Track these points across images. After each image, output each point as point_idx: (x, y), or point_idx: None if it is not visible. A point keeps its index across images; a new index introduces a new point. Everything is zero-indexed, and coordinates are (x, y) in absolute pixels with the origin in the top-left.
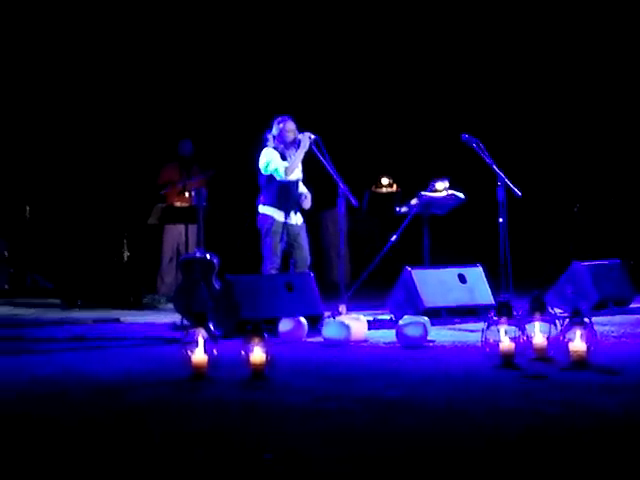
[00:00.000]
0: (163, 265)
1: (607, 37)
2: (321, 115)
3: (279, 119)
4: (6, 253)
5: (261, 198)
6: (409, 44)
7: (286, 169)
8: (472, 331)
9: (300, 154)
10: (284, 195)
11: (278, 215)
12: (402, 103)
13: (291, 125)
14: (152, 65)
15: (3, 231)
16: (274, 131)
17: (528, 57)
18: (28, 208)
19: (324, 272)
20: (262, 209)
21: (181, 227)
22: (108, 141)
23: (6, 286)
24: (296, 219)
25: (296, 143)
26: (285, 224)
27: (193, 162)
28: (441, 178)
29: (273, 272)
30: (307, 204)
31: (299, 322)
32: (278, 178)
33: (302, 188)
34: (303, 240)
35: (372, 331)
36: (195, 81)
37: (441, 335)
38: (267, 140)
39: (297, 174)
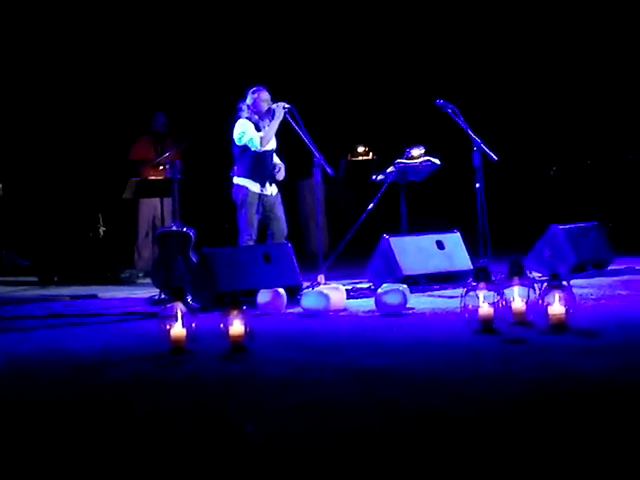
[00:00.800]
0: (139, 239)
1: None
2: (295, 84)
3: (253, 89)
4: None
5: (235, 169)
6: (382, 11)
7: (261, 139)
8: (451, 297)
9: (275, 124)
10: (259, 166)
11: (253, 186)
12: (376, 70)
13: (265, 95)
14: (122, 39)
15: None
16: (248, 101)
17: (501, 20)
18: (1, 185)
19: (302, 242)
20: (237, 180)
21: (156, 200)
22: (80, 116)
23: None
24: (271, 190)
25: (270, 113)
26: (260, 195)
27: (167, 135)
28: (417, 145)
29: (250, 244)
30: (281, 175)
31: (278, 293)
32: (253, 149)
33: (275, 159)
34: (279, 211)
35: (351, 300)
36: (167, 53)
37: (420, 302)
38: (241, 110)
39: (272, 144)
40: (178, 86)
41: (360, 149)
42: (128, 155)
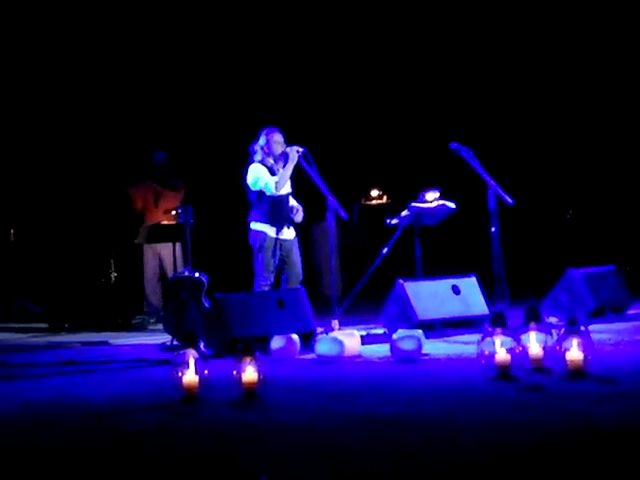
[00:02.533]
0: (147, 286)
1: (595, 45)
2: (309, 127)
3: (266, 130)
4: None
5: (252, 214)
6: (396, 54)
7: (276, 184)
8: (467, 343)
9: (289, 168)
10: (276, 210)
11: (270, 231)
12: (390, 114)
13: (278, 136)
14: (131, 82)
15: None
16: (261, 142)
17: (517, 63)
18: (12, 231)
19: (315, 287)
20: (254, 225)
21: (161, 245)
22: (91, 163)
23: None
24: (288, 234)
25: (284, 156)
26: (277, 239)
27: (168, 175)
28: (431, 188)
29: (265, 289)
30: (299, 217)
31: (291, 339)
32: (268, 193)
33: (292, 202)
34: (296, 256)
35: (366, 346)
36: (178, 97)
37: (436, 348)
38: (254, 153)
39: (287, 188)
40: (189, 129)
41: (374, 193)
42: (132, 206)
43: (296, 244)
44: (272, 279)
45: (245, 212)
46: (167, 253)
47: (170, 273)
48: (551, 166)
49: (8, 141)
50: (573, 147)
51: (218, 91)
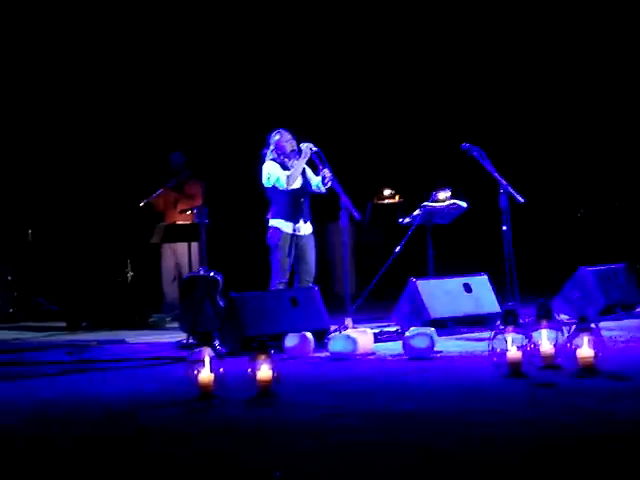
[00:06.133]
0: (164, 285)
1: (603, 39)
2: (322, 127)
3: (274, 132)
4: (10, 277)
5: (269, 212)
6: (409, 54)
7: (287, 178)
8: (479, 340)
9: (301, 163)
10: (292, 205)
11: (286, 227)
12: (402, 114)
13: (287, 135)
14: (150, 86)
15: (6, 255)
16: (272, 146)
17: (528, 63)
18: (30, 231)
19: (329, 285)
20: (272, 223)
21: (181, 246)
22: (108, 162)
23: (10, 310)
24: (305, 229)
25: (296, 152)
26: (293, 236)
27: (188, 177)
28: (443, 188)
29: (281, 287)
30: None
31: (305, 337)
32: (281, 188)
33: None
34: (310, 254)
35: (379, 344)
36: (191, 94)
37: (448, 346)
38: (265, 155)
39: (299, 182)
40: (202, 129)
41: (386, 192)
42: (154, 210)
43: (312, 242)
44: (287, 277)
45: (259, 211)
46: (183, 252)
47: (186, 272)
48: (562, 164)
49: (25, 142)
50: (584, 145)
51: (231, 91)
